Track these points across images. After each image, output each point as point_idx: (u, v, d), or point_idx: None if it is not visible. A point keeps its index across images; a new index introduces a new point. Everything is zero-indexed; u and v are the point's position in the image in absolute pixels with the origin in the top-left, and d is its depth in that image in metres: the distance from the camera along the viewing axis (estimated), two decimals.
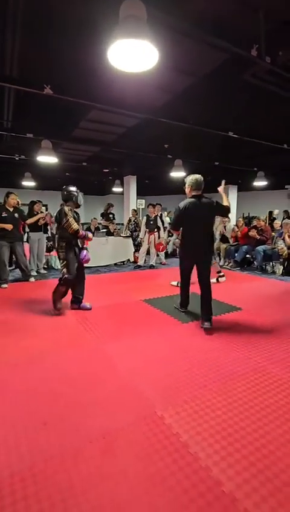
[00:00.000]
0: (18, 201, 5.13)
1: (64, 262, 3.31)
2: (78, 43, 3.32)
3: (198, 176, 3.10)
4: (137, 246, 7.36)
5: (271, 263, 6.23)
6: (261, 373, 2.12)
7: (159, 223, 6.54)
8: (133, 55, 2.58)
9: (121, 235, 7.45)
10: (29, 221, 5.31)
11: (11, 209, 4.77)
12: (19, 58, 3.45)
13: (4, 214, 4.65)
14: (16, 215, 4.80)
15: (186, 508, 1.13)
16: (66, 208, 3.29)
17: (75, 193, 3.44)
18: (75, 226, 3.23)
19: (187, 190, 3.12)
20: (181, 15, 2.74)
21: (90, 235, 3.45)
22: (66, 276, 3.28)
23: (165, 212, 9.37)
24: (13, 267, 5.76)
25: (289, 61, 3.53)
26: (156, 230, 6.49)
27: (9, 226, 4.62)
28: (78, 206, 3.49)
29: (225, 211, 3.11)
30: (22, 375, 2.08)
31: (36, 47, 3.37)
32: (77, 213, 3.50)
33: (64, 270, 3.30)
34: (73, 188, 3.46)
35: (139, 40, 2.36)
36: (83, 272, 3.57)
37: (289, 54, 3.46)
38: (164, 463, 1.33)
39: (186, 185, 3.12)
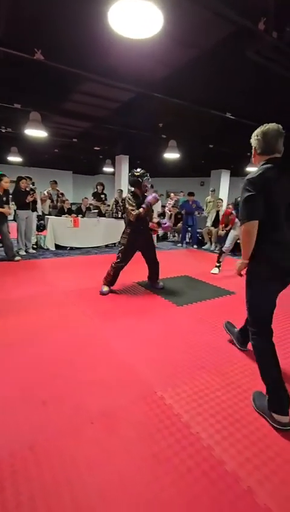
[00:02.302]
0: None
1: (122, 247, 3.38)
2: (74, 1, 3.04)
3: (272, 126, 1.61)
4: None
5: None
6: None
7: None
8: (135, 18, 2.40)
9: (113, 216, 7.30)
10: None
11: (1, 193, 4.77)
12: (6, 18, 3.14)
13: None
14: (5, 198, 4.82)
15: (191, 486, 1.14)
16: (128, 196, 3.36)
17: (139, 179, 3.34)
18: (135, 212, 3.25)
19: (254, 152, 1.71)
20: None
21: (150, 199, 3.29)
22: (117, 261, 3.35)
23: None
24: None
25: None
26: None
27: (7, 211, 4.74)
28: (144, 190, 3.41)
29: None
30: (18, 355, 2.03)
31: (26, 6, 3.07)
32: (135, 196, 3.39)
33: (119, 254, 3.37)
34: (138, 172, 3.36)
35: (144, 0, 2.18)
36: (154, 254, 3.62)
37: None
38: (167, 442, 1.34)
39: (253, 142, 1.69)
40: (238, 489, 1.13)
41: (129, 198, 3.34)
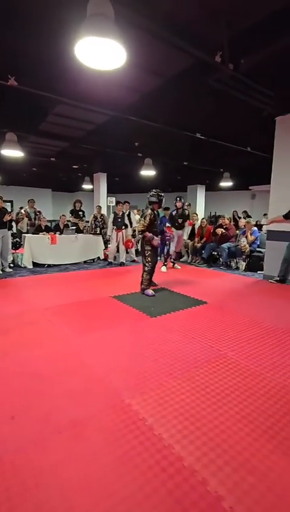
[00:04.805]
0: None
1: (148, 252, 4.05)
2: (44, 35, 3.26)
3: None
4: (106, 243, 7.35)
5: (235, 259, 6.58)
6: (221, 360, 2.28)
7: (126, 221, 6.60)
8: (100, 52, 2.61)
9: (91, 232, 7.40)
10: None
11: None
12: None
13: None
14: None
15: (150, 481, 1.22)
16: (148, 211, 4.00)
17: (162, 198, 4.07)
18: (140, 227, 4.01)
19: None
20: (149, 15, 2.81)
21: (155, 241, 3.99)
22: (148, 264, 4.06)
23: (135, 211, 9.40)
24: None
25: (251, 69, 3.77)
26: (123, 227, 6.53)
27: None
28: (159, 206, 4.22)
29: None
30: None
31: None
32: (155, 213, 4.09)
33: (149, 258, 4.06)
34: (161, 192, 4.07)
35: (106, 38, 2.39)
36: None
37: (250, 62, 3.70)
38: (131, 445, 1.41)
39: None
40: (193, 481, 1.22)
41: (149, 213, 3.95)
